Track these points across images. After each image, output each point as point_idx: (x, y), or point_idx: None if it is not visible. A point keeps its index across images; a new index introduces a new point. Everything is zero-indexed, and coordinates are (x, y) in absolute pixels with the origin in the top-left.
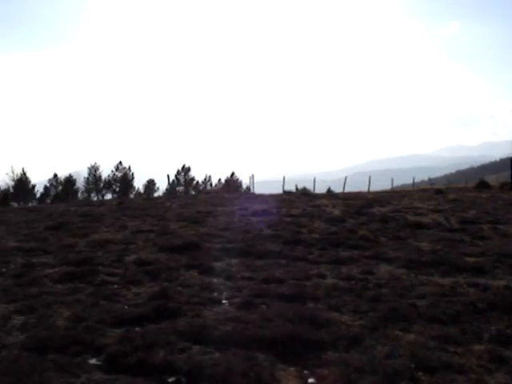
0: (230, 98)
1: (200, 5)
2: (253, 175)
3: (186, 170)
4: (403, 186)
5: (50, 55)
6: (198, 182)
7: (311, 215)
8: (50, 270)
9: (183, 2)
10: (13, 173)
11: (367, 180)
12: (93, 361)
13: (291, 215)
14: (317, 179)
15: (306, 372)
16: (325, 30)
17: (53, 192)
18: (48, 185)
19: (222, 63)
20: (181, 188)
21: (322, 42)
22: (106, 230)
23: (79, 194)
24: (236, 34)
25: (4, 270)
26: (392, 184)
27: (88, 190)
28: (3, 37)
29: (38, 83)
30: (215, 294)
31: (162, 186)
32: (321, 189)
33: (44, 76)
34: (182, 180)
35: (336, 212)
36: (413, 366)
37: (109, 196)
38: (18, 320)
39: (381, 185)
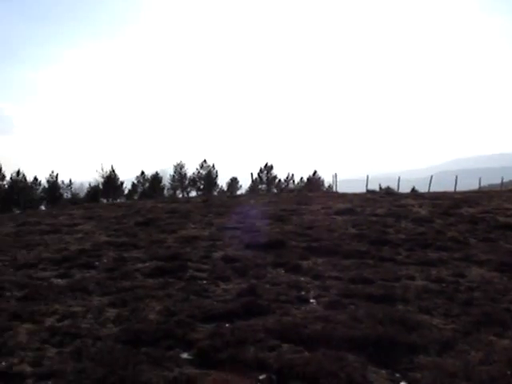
0: (311, 94)
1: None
2: (336, 174)
3: (268, 168)
4: (491, 186)
5: (134, 49)
6: (280, 180)
7: (397, 215)
8: (141, 265)
9: None
10: (102, 170)
11: (453, 179)
12: (184, 355)
13: (376, 215)
14: (401, 178)
15: (397, 375)
16: (409, 24)
17: (140, 189)
18: (135, 182)
19: (303, 59)
20: (263, 186)
21: (402, 38)
22: (193, 226)
23: (165, 191)
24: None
25: (97, 263)
26: (479, 184)
27: (173, 187)
28: (88, 28)
29: (125, 80)
30: (303, 293)
31: (244, 183)
32: (404, 188)
33: (130, 73)
34: (264, 178)
35: (423, 212)
36: (509, 372)
37: (193, 193)
38: (111, 313)
39: (467, 184)
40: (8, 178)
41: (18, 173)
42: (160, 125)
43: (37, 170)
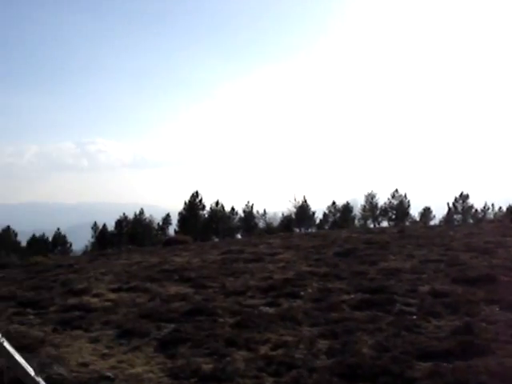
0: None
1: None
2: None
3: (464, 197)
4: None
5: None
6: (476, 209)
7: None
8: (346, 296)
9: None
10: (295, 200)
11: None
12: None
13: None
14: None
15: None
16: None
17: (331, 218)
18: (327, 212)
19: None
20: (458, 216)
21: None
22: (393, 258)
23: (356, 221)
24: None
25: (302, 293)
26: None
27: (364, 217)
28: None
29: (308, 103)
30: None
31: (437, 213)
32: None
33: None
34: (459, 208)
35: None
36: None
37: (384, 223)
38: (322, 344)
39: None
40: (208, 208)
41: (217, 203)
42: (349, 152)
43: (233, 201)
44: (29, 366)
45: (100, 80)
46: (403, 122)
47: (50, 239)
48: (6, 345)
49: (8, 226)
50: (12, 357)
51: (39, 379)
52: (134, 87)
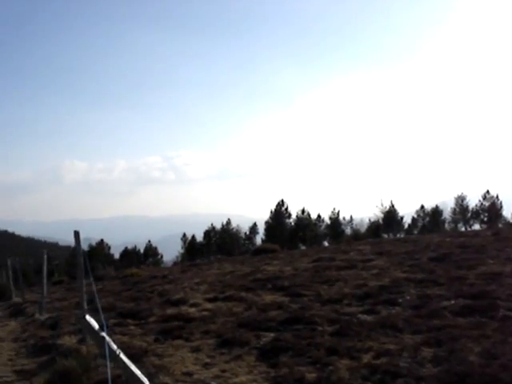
0: None
1: None
2: None
3: None
4: None
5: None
6: None
7: None
8: (446, 303)
9: None
10: (382, 205)
11: None
12: None
13: None
14: None
15: None
16: None
17: (420, 223)
18: (415, 216)
19: None
20: None
21: None
22: (491, 262)
23: (446, 225)
24: None
25: (401, 300)
26: None
27: (454, 221)
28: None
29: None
30: None
31: None
32: None
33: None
34: None
35: None
36: None
37: (476, 226)
38: (426, 352)
39: None
40: (294, 216)
41: (303, 211)
42: (436, 154)
43: (319, 208)
44: (144, 377)
45: (179, 93)
46: (493, 121)
47: (142, 251)
48: (123, 356)
49: (102, 240)
50: (128, 367)
51: None
52: (211, 98)
